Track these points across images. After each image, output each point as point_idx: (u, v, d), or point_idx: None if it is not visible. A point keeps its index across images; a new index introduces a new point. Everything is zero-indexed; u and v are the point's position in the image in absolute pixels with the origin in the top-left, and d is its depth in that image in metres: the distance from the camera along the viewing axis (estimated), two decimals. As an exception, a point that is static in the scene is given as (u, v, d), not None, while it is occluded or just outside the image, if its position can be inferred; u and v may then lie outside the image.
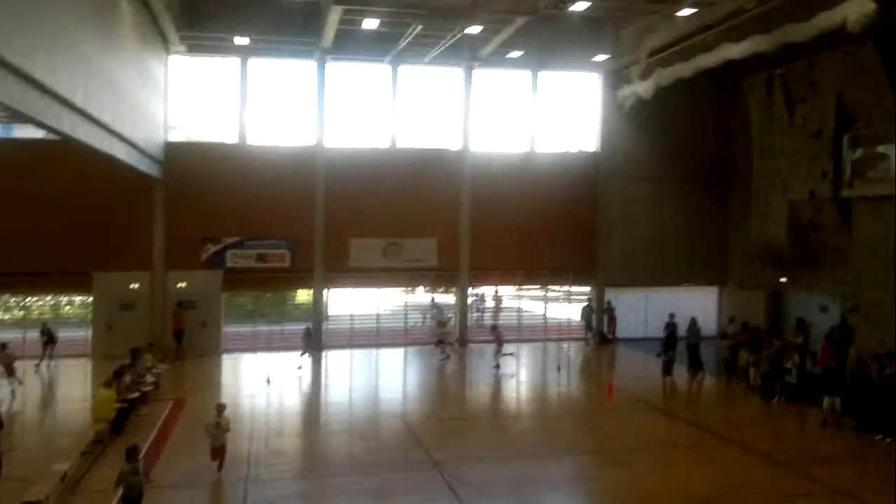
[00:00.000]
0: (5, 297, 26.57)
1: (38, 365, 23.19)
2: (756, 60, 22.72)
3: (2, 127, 25.92)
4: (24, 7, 10.81)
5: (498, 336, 24.52)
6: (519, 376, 23.53)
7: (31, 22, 11.06)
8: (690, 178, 29.91)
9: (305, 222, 27.33)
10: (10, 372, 19.95)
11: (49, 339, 23.80)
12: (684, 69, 24.00)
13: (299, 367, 23.37)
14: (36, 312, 25.81)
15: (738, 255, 29.38)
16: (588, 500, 12.57)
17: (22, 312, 26.62)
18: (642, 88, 26.12)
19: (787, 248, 25.18)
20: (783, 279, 26.22)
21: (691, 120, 29.70)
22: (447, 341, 25.86)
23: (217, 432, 13.20)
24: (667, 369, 22.14)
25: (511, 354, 24.55)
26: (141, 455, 11.54)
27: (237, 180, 26.58)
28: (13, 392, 19.68)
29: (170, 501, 12.22)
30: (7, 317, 27.17)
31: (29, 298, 26.45)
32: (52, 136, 17.93)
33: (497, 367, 23.63)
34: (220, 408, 13.60)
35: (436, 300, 30.88)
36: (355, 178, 27.55)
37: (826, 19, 18.10)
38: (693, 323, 23.72)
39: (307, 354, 24.33)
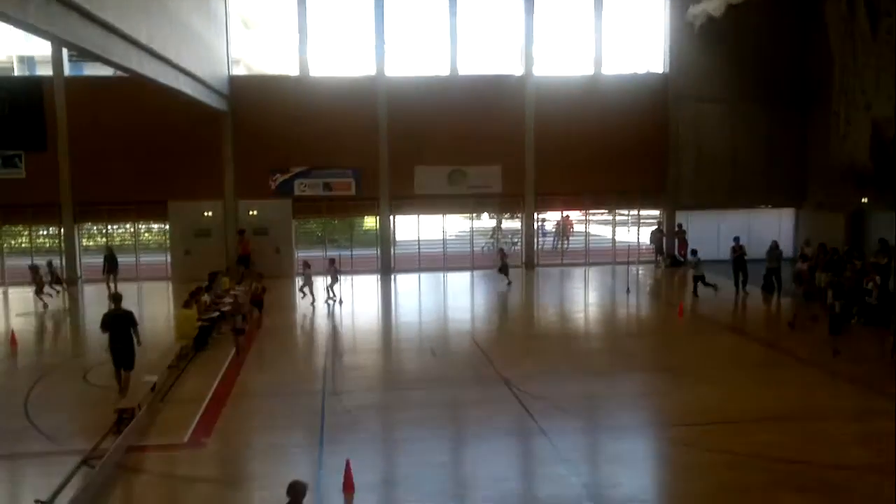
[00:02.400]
0: (88, 225, 27.72)
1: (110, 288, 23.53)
2: (834, -28, 21.32)
3: (71, 65, 26.59)
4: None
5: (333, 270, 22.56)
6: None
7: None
8: (766, 96, 28.80)
9: (370, 151, 27.53)
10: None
11: (111, 264, 24.30)
12: (756, -16, 22.73)
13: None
14: (118, 240, 26.95)
15: (817, 176, 28.28)
16: (657, 415, 12.57)
17: (104, 240, 27.82)
18: (712, 6, 24.93)
19: (869, 167, 24.02)
20: (865, 199, 25.14)
21: (766, 37, 28.47)
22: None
23: None
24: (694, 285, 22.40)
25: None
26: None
27: (301, 111, 26.87)
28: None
29: (253, 409, 12.78)
30: (91, 244, 28.46)
31: (110, 226, 27.57)
32: (121, 74, 18.46)
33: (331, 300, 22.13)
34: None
35: (501, 226, 30.83)
36: (418, 107, 27.46)
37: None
38: (774, 246, 22.99)
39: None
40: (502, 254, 25.74)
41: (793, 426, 11.43)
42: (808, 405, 12.65)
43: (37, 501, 8.23)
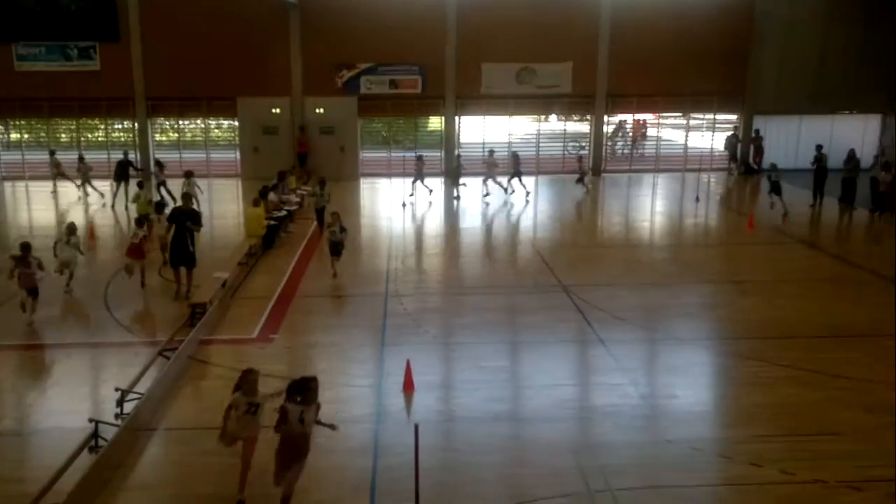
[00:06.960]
0: (161, 120, 28.22)
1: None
2: None
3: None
4: None
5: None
6: (644, 205, 22.91)
7: None
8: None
9: (437, 47, 26.91)
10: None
11: (123, 171, 22.34)
12: None
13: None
14: (189, 136, 27.43)
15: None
16: (719, 328, 12.41)
17: (176, 135, 28.38)
18: None
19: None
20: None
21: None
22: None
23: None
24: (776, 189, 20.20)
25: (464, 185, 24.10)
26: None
27: (369, 5, 26.31)
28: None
29: (319, 308, 13.18)
30: (164, 139, 29.09)
31: (181, 122, 28.05)
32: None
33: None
34: None
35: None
36: (487, 1, 26.37)
37: None
38: (852, 155, 21.78)
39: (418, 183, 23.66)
40: (581, 161, 25.19)
41: (861, 343, 11.15)
42: (879, 319, 12.19)
43: (117, 389, 8.77)
